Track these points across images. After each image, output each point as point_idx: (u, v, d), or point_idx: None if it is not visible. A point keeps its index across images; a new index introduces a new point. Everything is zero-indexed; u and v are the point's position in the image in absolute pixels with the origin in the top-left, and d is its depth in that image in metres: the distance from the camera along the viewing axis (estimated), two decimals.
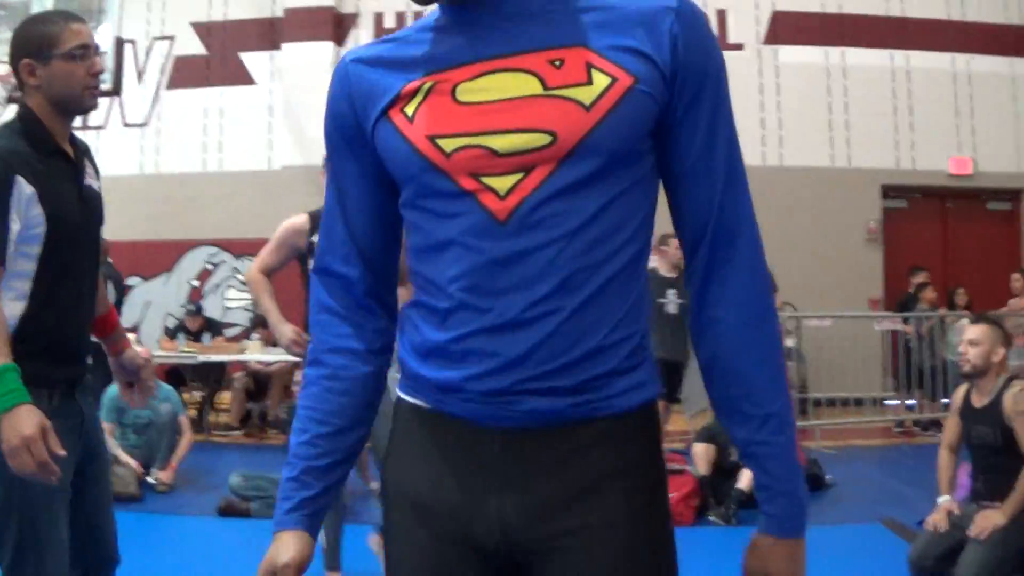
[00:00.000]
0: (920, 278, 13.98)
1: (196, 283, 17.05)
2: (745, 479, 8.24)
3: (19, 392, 3.06)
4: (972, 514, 5.96)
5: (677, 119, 1.88)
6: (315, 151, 15.57)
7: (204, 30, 17.35)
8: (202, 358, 13.20)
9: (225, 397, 14.30)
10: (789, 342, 13.31)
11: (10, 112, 3.76)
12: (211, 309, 16.16)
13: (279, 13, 16.72)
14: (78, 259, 3.64)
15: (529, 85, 1.83)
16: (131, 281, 16.72)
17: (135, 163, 17.37)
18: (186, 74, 17.41)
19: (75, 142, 3.75)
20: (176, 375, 13.76)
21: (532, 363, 1.82)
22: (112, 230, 15.75)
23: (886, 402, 14.08)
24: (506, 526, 1.88)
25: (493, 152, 1.82)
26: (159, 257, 16.98)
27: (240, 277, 16.71)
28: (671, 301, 10.44)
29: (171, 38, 17.50)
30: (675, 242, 10.56)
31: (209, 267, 17.05)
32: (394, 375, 2.10)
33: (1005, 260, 15.61)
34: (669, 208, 1.96)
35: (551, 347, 1.82)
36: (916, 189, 16.18)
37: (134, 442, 9.79)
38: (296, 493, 2.07)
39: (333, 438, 2.10)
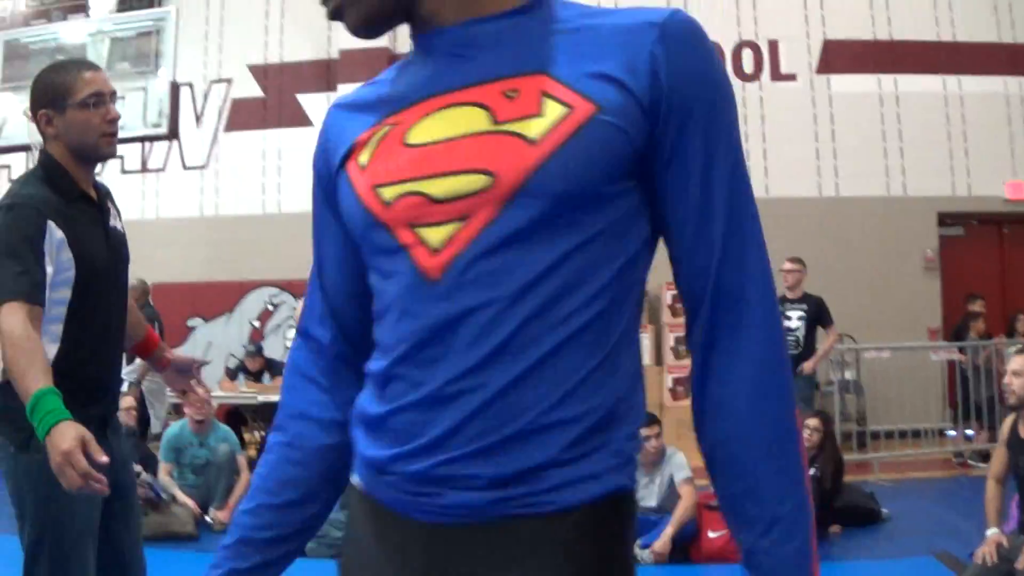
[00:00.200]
0: (976, 306, 13.80)
1: (257, 324, 17.13)
2: None
3: (58, 411, 3.10)
4: (1021, 546, 5.90)
5: (665, 159, 1.57)
6: None
7: (261, 72, 17.52)
8: (262, 398, 13.24)
9: None
10: (848, 374, 13.21)
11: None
12: (272, 349, 16.21)
13: (335, 55, 16.83)
14: (106, 299, 3.73)
15: (476, 120, 1.58)
16: (192, 322, 16.90)
17: (195, 205, 17.53)
18: (244, 116, 17.58)
19: (97, 186, 3.84)
20: (236, 416, 13.82)
21: (452, 445, 1.55)
22: (173, 271, 16.04)
23: (947, 433, 13.92)
24: None
25: (430, 199, 1.59)
26: (220, 298, 17.10)
27: None
28: None
29: (228, 81, 17.66)
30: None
31: (270, 308, 17.14)
32: None
33: None
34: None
35: (473, 427, 1.54)
36: (972, 216, 15.98)
37: (192, 482, 9.87)
38: (226, 562, 1.87)
39: (280, 511, 1.88)
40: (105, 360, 3.62)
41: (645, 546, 7.96)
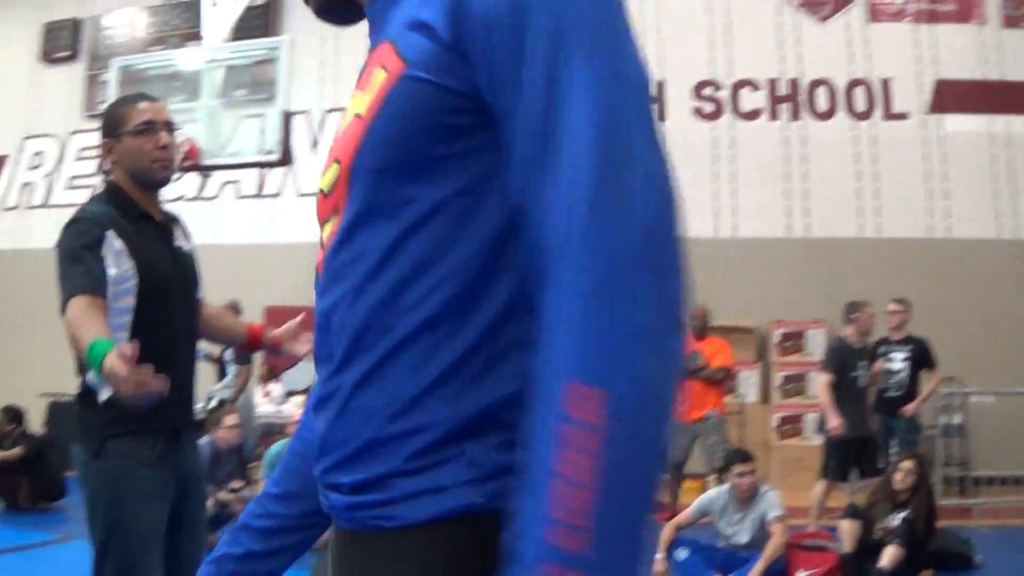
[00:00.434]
0: None
1: None
2: (887, 557, 8.08)
3: (101, 350, 3.19)
4: None
5: (501, 104, 1.33)
6: None
7: None
8: None
9: None
10: (954, 418, 13.04)
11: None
12: None
13: None
14: (172, 313, 3.91)
15: (356, 105, 1.47)
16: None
17: (309, 230, 17.66)
18: None
19: (164, 212, 4.06)
20: None
21: (328, 450, 1.49)
22: (287, 295, 16.32)
23: None
24: None
25: (322, 194, 1.53)
26: None
27: None
28: (862, 374, 10.37)
29: (343, 109, 17.78)
30: (867, 310, 10.54)
31: None
32: None
33: None
34: None
35: (335, 433, 1.47)
36: None
37: None
38: (221, 547, 1.86)
39: (277, 501, 1.84)
40: (172, 370, 3.78)
41: None
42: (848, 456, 10.04)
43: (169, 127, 3.97)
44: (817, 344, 14.16)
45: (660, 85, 15.62)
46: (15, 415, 12.07)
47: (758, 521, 8.31)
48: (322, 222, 1.54)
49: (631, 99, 1.30)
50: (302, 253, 17.09)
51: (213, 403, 11.66)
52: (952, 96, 14.63)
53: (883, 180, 14.57)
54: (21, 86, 19.50)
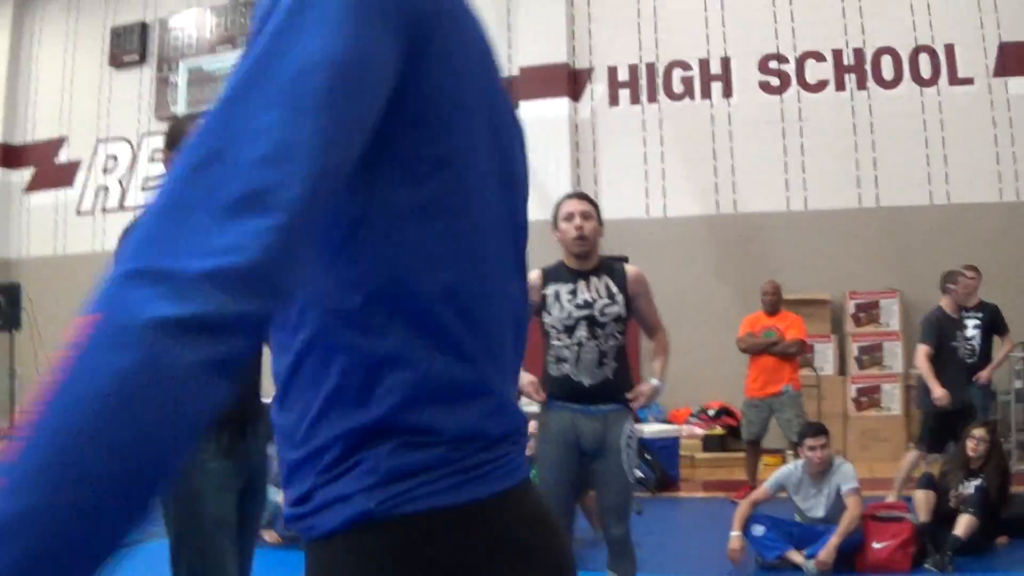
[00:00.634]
0: None
1: None
2: (962, 526, 8.08)
3: None
4: None
5: None
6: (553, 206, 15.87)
7: None
8: None
9: None
10: (1018, 383, 12.93)
11: None
12: None
13: (514, 71, 17.07)
14: None
15: None
16: None
17: None
18: None
19: None
20: None
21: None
22: None
23: None
24: None
25: None
26: None
27: None
28: (961, 344, 10.33)
29: None
30: (964, 279, 10.50)
31: None
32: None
33: None
34: None
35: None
36: None
37: None
38: None
39: None
40: None
41: (810, 556, 7.99)
42: (946, 427, 9.98)
43: None
44: (892, 314, 14.15)
45: (726, 61, 15.64)
46: None
47: (833, 494, 8.33)
48: None
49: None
50: None
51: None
52: (1016, 59, 14.47)
53: (950, 146, 14.47)
54: (92, 91, 19.85)
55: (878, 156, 14.72)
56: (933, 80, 14.64)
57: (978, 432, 8.77)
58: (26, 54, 21.57)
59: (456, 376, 1.42)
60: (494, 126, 1.55)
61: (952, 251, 12.57)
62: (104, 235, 18.25)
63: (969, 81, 14.56)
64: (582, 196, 6.51)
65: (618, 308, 6.08)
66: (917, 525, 8.37)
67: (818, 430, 8.57)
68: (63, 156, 20.13)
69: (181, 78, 12.23)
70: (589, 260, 6.20)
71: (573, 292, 6.11)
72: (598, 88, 16.62)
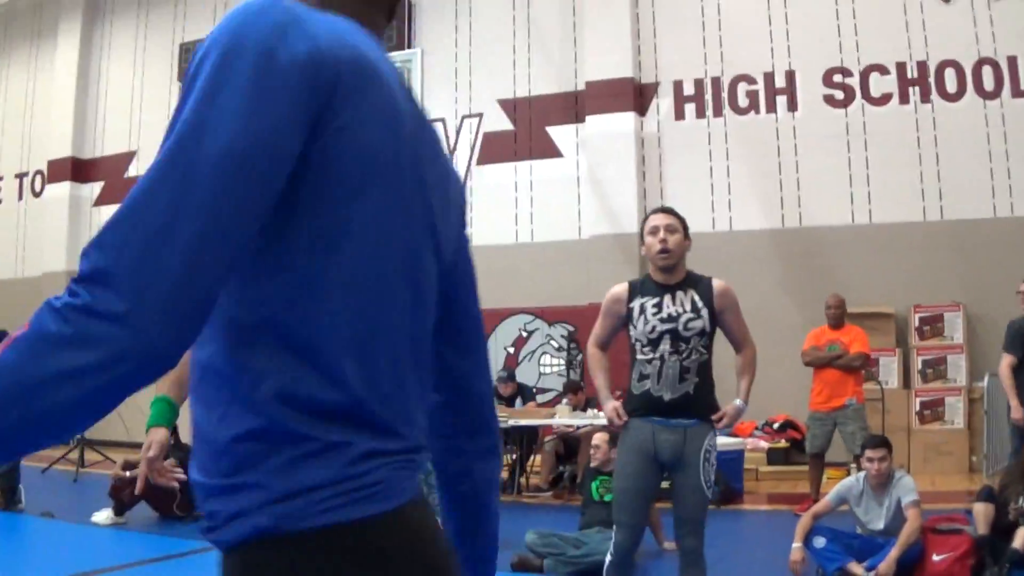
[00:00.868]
0: None
1: (511, 350, 17.57)
2: (1021, 538, 8.04)
3: (154, 417, 4.11)
4: None
5: None
6: (622, 220, 15.97)
7: (511, 106, 18.03)
8: (512, 422, 13.66)
9: (537, 460, 14.71)
10: None
11: None
12: (526, 374, 16.60)
13: (581, 86, 17.20)
14: None
15: None
16: None
17: None
18: (495, 149, 18.14)
19: None
20: None
21: None
22: None
23: None
24: None
25: None
26: None
27: (554, 344, 17.21)
28: None
29: (479, 115, 18.27)
30: None
31: (524, 334, 17.55)
32: None
33: None
34: None
35: None
36: None
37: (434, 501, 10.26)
38: None
39: None
40: None
41: (870, 568, 8.01)
42: None
43: None
44: (956, 327, 14.12)
45: (790, 75, 15.68)
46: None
47: (894, 507, 8.34)
48: None
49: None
50: None
51: None
52: None
53: (1014, 159, 14.41)
54: (161, 105, 20.23)
55: (942, 169, 14.68)
56: (996, 92, 14.59)
57: None
58: (95, 70, 22.03)
59: (331, 399, 1.55)
60: (415, 181, 1.72)
61: (1017, 263, 12.51)
62: None
63: None
64: (668, 211, 6.47)
65: (702, 323, 6.10)
66: (976, 538, 8.34)
67: (878, 442, 8.61)
68: (132, 170, 20.53)
69: None
70: (675, 274, 6.23)
71: (658, 306, 6.14)
72: (664, 102, 16.73)
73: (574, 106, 17.38)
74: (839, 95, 15.45)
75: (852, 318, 12.06)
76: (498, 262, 17.32)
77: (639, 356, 6.18)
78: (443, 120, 18.22)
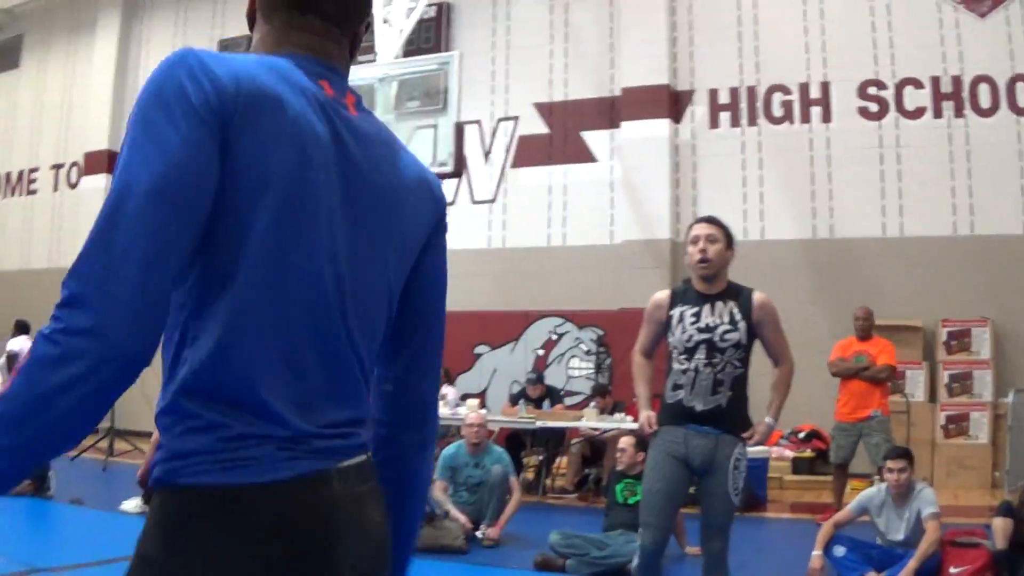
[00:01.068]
0: None
1: (541, 352, 17.65)
2: None
3: None
4: None
5: None
6: (655, 226, 16.06)
7: (546, 110, 18.15)
8: (540, 424, 13.75)
9: (563, 462, 14.80)
10: None
11: None
12: (554, 377, 16.67)
13: (616, 92, 17.29)
14: None
15: None
16: (479, 349, 17.53)
17: (483, 237, 18.33)
18: (530, 152, 18.23)
19: None
20: (516, 440, 14.38)
21: None
22: (461, 300, 16.70)
23: None
24: None
25: None
26: (506, 327, 17.66)
27: (583, 347, 17.30)
28: None
29: (515, 118, 18.38)
30: None
31: (554, 337, 17.61)
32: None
33: None
34: None
35: None
36: None
37: (466, 499, 10.46)
38: None
39: None
40: None
41: None
42: None
43: None
44: (983, 342, 14.15)
45: (825, 86, 15.74)
46: None
47: (914, 518, 8.42)
48: None
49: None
50: (475, 259, 17.67)
51: None
52: None
53: None
54: None
55: (974, 184, 14.72)
56: None
57: None
58: (133, 64, 22.28)
59: (220, 391, 1.85)
60: (322, 199, 1.97)
61: None
62: None
63: None
64: (710, 220, 6.45)
65: (738, 335, 6.11)
66: (994, 552, 8.39)
67: (899, 453, 8.70)
68: None
69: None
70: (716, 284, 6.24)
71: (696, 315, 6.16)
72: (699, 110, 16.82)
73: (609, 111, 17.48)
74: (873, 107, 15.50)
75: (880, 330, 12.12)
76: (530, 264, 17.49)
77: (675, 365, 6.22)
78: (479, 123, 18.40)
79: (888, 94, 15.43)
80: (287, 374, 1.91)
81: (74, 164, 22.99)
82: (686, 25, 16.99)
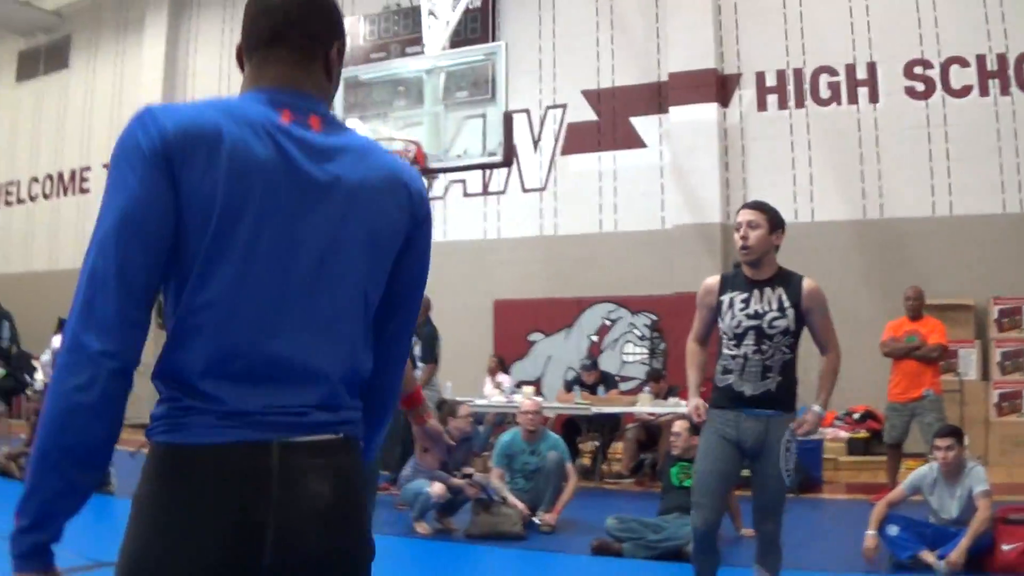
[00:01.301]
0: None
1: (595, 338, 17.79)
2: None
3: None
4: None
5: None
6: (706, 210, 16.13)
7: (594, 97, 18.22)
8: (595, 410, 13.87)
9: (619, 447, 14.95)
10: None
11: None
12: (609, 363, 16.78)
13: (664, 77, 17.34)
14: None
15: None
16: (533, 336, 17.70)
17: (535, 226, 18.44)
18: (579, 139, 18.32)
19: None
20: (571, 426, 14.51)
21: None
22: (514, 288, 16.90)
23: None
24: None
25: None
26: (559, 314, 17.86)
27: (637, 332, 17.40)
28: None
29: (563, 106, 18.47)
30: None
31: (607, 323, 17.75)
32: None
33: None
34: None
35: None
36: None
37: (522, 486, 10.58)
38: None
39: None
40: None
41: (941, 557, 8.15)
42: None
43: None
44: None
45: (872, 66, 15.75)
46: None
47: (966, 496, 8.45)
48: None
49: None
50: (527, 247, 17.82)
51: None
52: None
53: None
54: None
55: (1021, 161, 14.69)
56: None
57: None
58: (182, 62, 22.50)
59: (180, 377, 2.27)
60: (271, 216, 2.31)
61: None
62: None
63: None
64: (754, 206, 6.47)
65: (787, 322, 6.16)
66: None
67: (947, 431, 8.74)
68: None
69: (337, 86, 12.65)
70: (763, 270, 6.28)
71: (746, 301, 6.22)
72: (746, 94, 16.85)
73: (657, 97, 17.53)
74: (920, 87, 15.49)
75: (932, 310, 12.16)
76: (582, 251, 17.59)
77: (725, 350, 6.30)
78: (527, 112, 18.49)
79: (934, 73, 15.41)
80: (233, 364, 2.27)
81: None
82: (731, 8, 17.01)
